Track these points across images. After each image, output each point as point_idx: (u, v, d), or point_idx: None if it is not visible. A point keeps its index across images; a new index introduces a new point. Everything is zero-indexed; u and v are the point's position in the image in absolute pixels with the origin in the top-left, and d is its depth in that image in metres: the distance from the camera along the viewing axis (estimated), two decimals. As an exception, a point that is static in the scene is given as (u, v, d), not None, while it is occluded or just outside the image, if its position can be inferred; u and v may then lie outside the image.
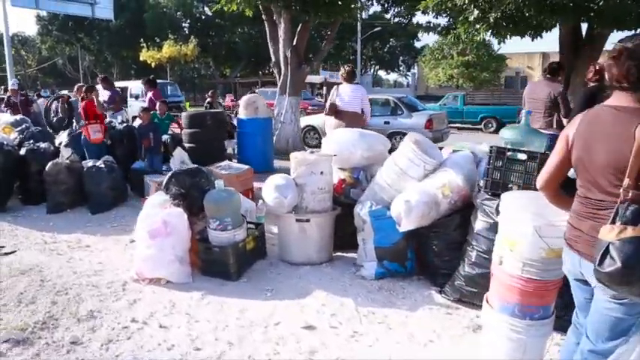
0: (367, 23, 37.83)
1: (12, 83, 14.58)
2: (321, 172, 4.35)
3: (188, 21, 44.07)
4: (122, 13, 36.16)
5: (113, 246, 5.14)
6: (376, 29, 39.40)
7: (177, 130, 9.32)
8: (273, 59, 12.22)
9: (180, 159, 6.45)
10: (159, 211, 4.19)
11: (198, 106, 34.75)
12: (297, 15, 11.35)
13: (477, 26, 7.77)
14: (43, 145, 7.30)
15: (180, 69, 42.59)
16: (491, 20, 6.81)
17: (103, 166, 6.72)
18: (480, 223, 3.58)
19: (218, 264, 4.15)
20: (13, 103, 11.09)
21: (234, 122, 9.60)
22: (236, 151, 9.21)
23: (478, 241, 3.57)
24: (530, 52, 40.67)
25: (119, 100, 8.91)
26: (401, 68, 56.21)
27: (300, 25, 12.06)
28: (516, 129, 3.86)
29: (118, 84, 17.43)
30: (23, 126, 8.37)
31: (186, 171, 4.35)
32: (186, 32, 43.16)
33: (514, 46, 68.58)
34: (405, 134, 11.84)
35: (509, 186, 3.55)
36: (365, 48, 45.34)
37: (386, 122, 12.45)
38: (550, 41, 10.30)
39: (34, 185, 6.92)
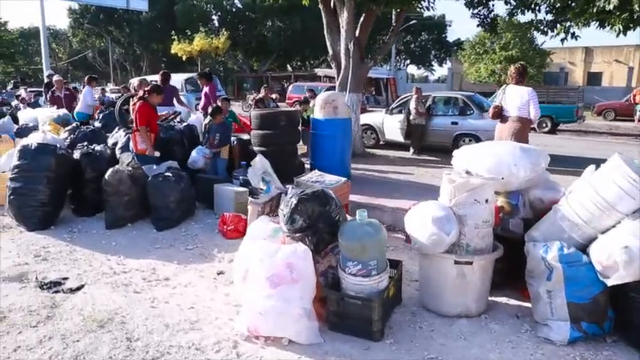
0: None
1: (48, 74, 13.72)
2: (486, 201, 3.31)
3: (219, 13, 43.21)
4: (153, 6, 35.45)
5: (198, 280, 4.18)
6: (412, 22, 38.03)
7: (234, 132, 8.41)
8: (330, 52, 11.16)
9: (261, 169, 5.46)
10: (276, 248, 3.19)
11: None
12: (363, 4, 10.27)
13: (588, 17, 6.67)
14: (98, 147, 6.41)
15: (211, 62, 41.83)
16: (638, 9, 5.62)
17: (170, 174, 5.79)
18: None
19: (355, 319, 3.15)
20: (57, 98, 10.19)
21: None
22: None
23: None
24: (572, 47, 38.91)
25: (177, 97, 8.02)
26: (433, 63, 54.58)
27: (364, 15, 11.00)
28: None
29: (150, 78, 16.61)
30: (74, 124, 7.47)
31: (314, 196, 3.33)
32: (217, 25, 42.41)
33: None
34: (474, 136, 10.89)
35: None
36: (396, 42, 43.98)
37: (453, 123, 11.32)
38: (591, 36, 9.25)
39: (89, 194, 6.04)
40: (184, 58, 35.58)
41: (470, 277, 3.34)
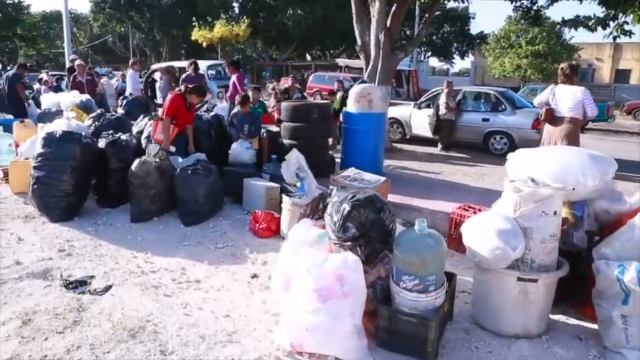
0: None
1: (72, 58, 13.55)
2: (555, 213, 3.01)
3: (239, 0, 42.84)
4: (174, -9, 35.31)
5: (231, 283, 3.94)
6: (436, 13, 37.32)
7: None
8: (359, 42, 10.84)
9: (296, 164, 5.18)
10: (324, 257, 2.92)
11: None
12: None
13: None
14: (124, 136, 6.18)
15: (231, 50, 41.54)
16: None
17: (199, 167, 5.55)
18: None
19: (409, 337, 2.88)
20: (79, 83, 9.97)
21: None
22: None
23: None
24: (601, 42, 37.82)
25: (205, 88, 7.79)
26: (454, 56, 53.63)
27: (395, 5, 10.63)
28: None
29: (177, 64, 16.26)
30: (98, 111, 7.25)
31: (368, 201, 3.03)
32: (237, 12, 42.05)
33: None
34: (506, 134, 10.49)
35: None
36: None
37: (485, 119, 10.96)
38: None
39: (114, 184, 5.84)
40: (204, 44, 35.31)
41: (533, 295, 3.05)
